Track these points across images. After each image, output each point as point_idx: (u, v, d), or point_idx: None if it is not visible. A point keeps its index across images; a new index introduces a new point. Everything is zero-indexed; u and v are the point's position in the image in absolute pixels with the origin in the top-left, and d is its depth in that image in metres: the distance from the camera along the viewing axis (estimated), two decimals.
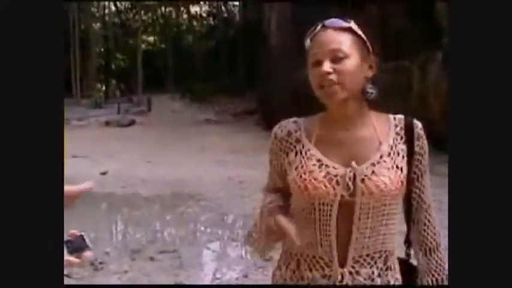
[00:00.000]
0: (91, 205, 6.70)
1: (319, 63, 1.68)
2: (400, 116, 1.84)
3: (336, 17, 1.76)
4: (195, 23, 32.66)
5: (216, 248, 6.44)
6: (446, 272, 1.85)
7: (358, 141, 1.74)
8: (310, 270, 1.76)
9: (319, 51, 1.69)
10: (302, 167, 1.72)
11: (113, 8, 34.69)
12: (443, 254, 1.86)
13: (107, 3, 33.62)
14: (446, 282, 1.85)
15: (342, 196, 1.67)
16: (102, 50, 34.18)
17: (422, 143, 1.80)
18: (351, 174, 1.67)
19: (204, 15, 32.31)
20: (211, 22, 31.73)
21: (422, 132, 1.80)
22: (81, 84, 27.76)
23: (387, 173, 1.69)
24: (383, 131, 1.78)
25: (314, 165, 1.70)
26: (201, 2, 32.71)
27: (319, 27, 1.74)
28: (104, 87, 33.85)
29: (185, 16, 33.22)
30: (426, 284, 1.87)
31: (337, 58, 1.68)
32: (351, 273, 1.72)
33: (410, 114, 1.87)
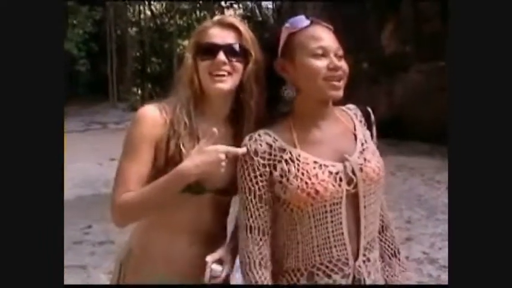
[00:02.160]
0: None
1: (323, 56, 1.71)
2: (352, 106, 1.93)
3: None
4: None
5: None
6: (398, 245, 2.01)
7: (336, 136, 1.78)
8: (329, 276, 1.74)
9: (324, 44, 1.73)
10: (303, 173, 1.68)
11: (148, 12, 34.97)
12: (393, 229, 2.03)
13: (142, 8, 33.94)
14: (398, 253, 1.98)
15: (347, 190, 1.69)
16: (138, 54, 34.48)
17: (375, 128, 1.92)
18: (350, 166, 1.69)
19: (238, 18, 32.31)
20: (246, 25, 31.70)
21: (374, 118, 1.92)
22: (118, 88, 28.04)
23: (373, 158, 1.77)
24: (349, 122, 1.86)
25: (314, 168, 1.68)
26: (235, 6, 32.76)
27: (306, 22, 1.77)
28: (139, 91, 34.11)
29: None
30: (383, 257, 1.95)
31: (338, 55, 1.74)
32: (364, 261, 1.76)
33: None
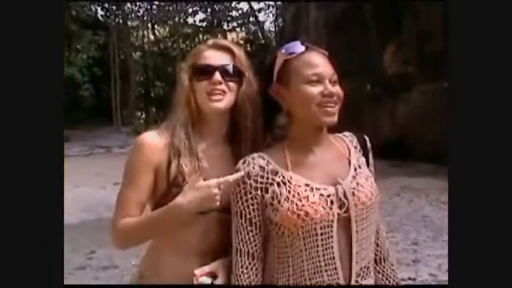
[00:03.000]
0: None
1: (318, 82, 1.70)
2: (348, 133, 1.92)
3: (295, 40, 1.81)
4: None
5: None
6: (398, 278, 1.97)
7: (329, 160, 1.77)
8: None
9: (319, 71, 1.72)
10: (294, 196, 1.66)
11: (152, 37, 35.33)
12: (393, 261, 1.98)
13: (145, 32, 34.28)
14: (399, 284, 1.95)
15: (338, 214, 1.67)
16: (141, 78, 34.78)
17: (371, 155, 1.91)
18: (342, 190, 1.69)
19: (241, 42, 32.59)
20: (249, 48, 31.98)
21: (370, 146, 1.92)
22: (122, 113, 28.25)
23: (366, 183, 1.75)
24: (344, 148, 1.84)
25: (305, 190, 1.67)
26: (238, 29, 33.09)
27: (302, 48, 1.77)
28: (143, 115, 34.31)
29: None
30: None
31: (332, 81, 1.73)
32: (366, 286, 1.75)
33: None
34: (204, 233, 1.92)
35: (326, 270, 1.69)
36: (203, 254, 1.92)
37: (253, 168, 1.71)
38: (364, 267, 1.76)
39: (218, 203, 1.76)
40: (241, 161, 1.75)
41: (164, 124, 1.99)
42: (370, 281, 1.79)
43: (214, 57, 1.94)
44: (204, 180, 1.77)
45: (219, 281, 1.81)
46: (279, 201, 1.67)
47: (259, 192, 1.71)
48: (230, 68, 1.93)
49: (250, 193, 1.71)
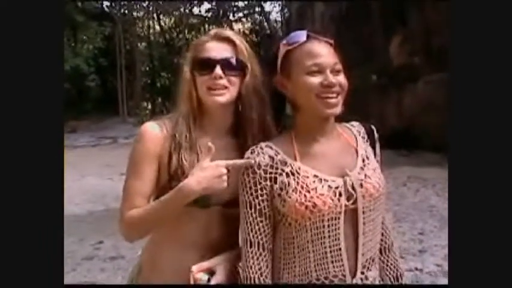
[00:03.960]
0: None
1: (319, 72, 1.68)
2: (356, 123, 1.91)
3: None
4: None
5: None
6: (401, 269, 1.97)
7: (337, 151, 1.76)
8: None
9: (319, 61, 1.69)
10: (302, 187, 1.65)
11: (158, 27, 35.27)
12: (397, 252, 1.99)
13: (151, 23, 34.24)
14: (401, 278, 1.95)
15: (346, 206, 1.67)
16: (147, 69, 34.74)
17: (378, 146, 1.91)
18: (350, 182, 1.68)
19: (247, 32, 32.49)
20: (254, 39, 31.88)
21: (377, 136, 1.90)
22: (127, 103, 28.24)
23: (374, 174, 1.75)
24: (351, 139, 1.83)
25: (314, 181, 1.66)
26: (243, 19, 32.99)
27: (303, 37, 1.74)
28: (149, 106, 34.30)
29: None
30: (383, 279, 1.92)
31: (335, 70, 1.70)
32: (361, 279, 1.73)
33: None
34: (205, 227, 1.92)
35: (332, 262, 1.69)
36: (204, 249, 1.91)
37: (263, 158, 1.70)
38: (370, 258, 1.75)
39: (226, 184, 1.76)
40: (249, 151, 1.74)
41: (167, 116, 1.98)
42: (375, 272, 1.79)
43: (215, 50, 1.91)
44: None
45: (216, 278, 1.81)
46: (287, 192, 1.66)
47: (268, 182, 1.70)
48: (233, 61, 1.90)
49: (260, 183, 1.70)
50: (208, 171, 1.75)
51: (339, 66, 1.72)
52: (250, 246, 1.73)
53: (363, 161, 1.77)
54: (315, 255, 1.69)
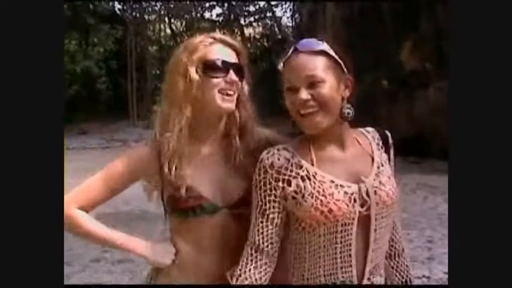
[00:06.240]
0: (154, 223, 6.76)
1: (295, 89, 1.65)
2: (371, 129, 1.88)
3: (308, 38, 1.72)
4: (248, 44, 32.93)
5: None
6: (411, 275, 1.97)
7: (353, 157, 1.75)
8: None
9: (293, 77, 1.65)
10: (319, 192, 1.64)
11: (169, 31, 35.38)
12: (407, 257, 1.98)
13: (162, 26, 34.36)
14: (411, 282, 1.95)
15: (359, 212, 1.66)
16: (158, 72, 34.85)
17: (392, 152, 1.89)
18: (365, 188, 1.67)
19: (258, 37, 32.52)
20: (265, 44, 31.90)
21: (392, 142, 1.88)
22: (138, 106, 28.31)
23: (388, 182, 1.74)
24: (366, 145, 1.81)
25: (330, 187, 1.65)
26: (254, 24, 33.01)
27: (291, 50, 1.69)
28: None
29: (239, 38, 33.55)
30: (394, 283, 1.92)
31: (312, 84, 1.64)
32: (367, 285, 1.73)
33: None
34: (218, 231, 1.90)
35: (342, 268, 1.68)
36: (222, 249, 1.90)
37: (278, 159, 1.69)
38: (377, 264, 1.75)
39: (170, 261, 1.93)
40: (265, 152, 1.72)
41: (161, 119, 1.96)
42: (380, 279, 1.79)
43: (225, 53, 1.87)
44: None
45: None
46: (303, 196, 1.65)
47: (280, 183, 1.68)
48: (243, 67, 1.89)
49: (270, 183, 1.68)
50: (161, 251, 1.94)
51: (317, 78, 1.64)
52: (251, 249, 1.72)
53: (378, 167, 1.76)
54: (325, 261, 1.69)
